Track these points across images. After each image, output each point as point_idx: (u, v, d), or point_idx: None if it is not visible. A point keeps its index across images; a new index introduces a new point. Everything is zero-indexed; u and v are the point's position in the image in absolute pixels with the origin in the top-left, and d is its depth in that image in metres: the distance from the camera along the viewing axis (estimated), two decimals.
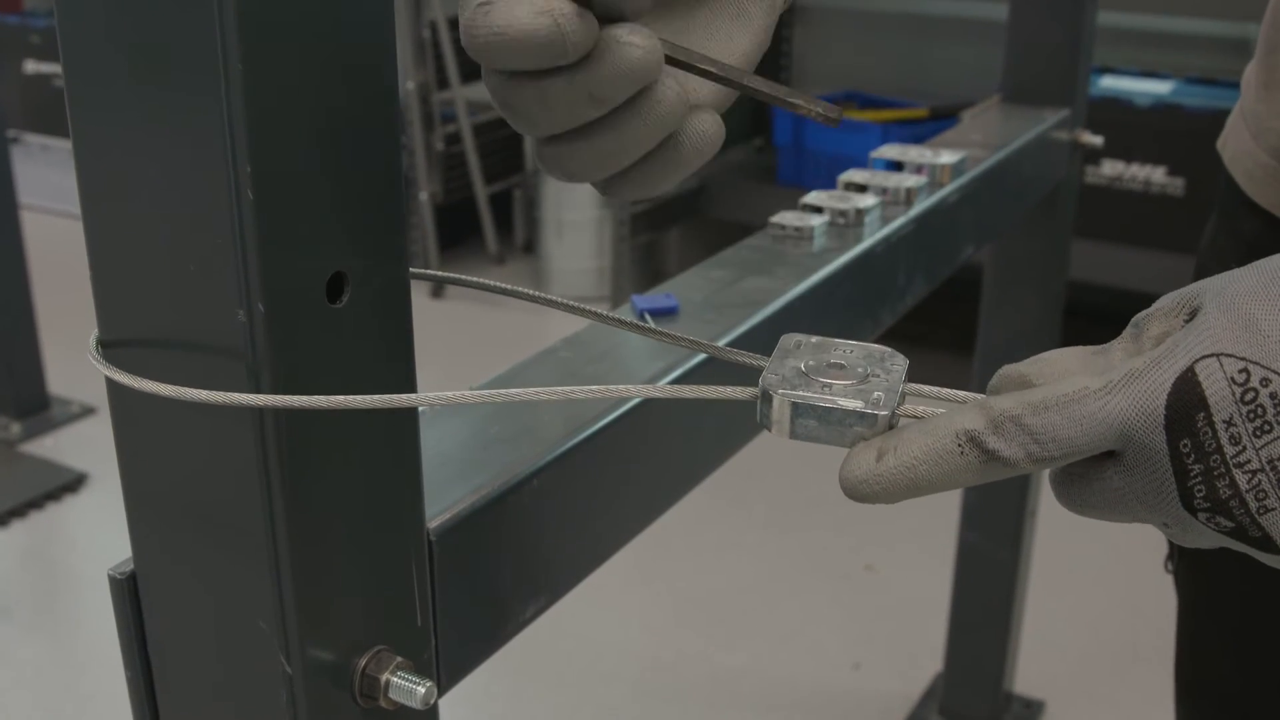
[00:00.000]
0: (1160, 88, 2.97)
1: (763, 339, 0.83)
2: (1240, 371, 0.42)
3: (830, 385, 0.50)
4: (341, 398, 0.47)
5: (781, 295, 0.89)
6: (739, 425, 0.85)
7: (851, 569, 2.39)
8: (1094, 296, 2.94)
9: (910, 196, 1.08)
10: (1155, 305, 0.48)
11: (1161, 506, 0.45)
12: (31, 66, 4.53)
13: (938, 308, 2.06)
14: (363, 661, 0.54)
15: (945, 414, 0.47)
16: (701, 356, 0.78)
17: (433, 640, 0.58)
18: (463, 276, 0.61)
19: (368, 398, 0.48)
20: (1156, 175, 2.89)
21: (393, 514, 0.54)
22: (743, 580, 2.36)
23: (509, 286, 0.61)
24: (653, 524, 0.76)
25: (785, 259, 0.95)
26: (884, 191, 1.08)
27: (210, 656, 0.54)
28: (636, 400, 0.72)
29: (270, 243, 0.45)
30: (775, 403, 0.49)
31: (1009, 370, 0.49)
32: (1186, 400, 0.43)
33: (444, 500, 0.60)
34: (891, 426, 0.48)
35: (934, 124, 3.09)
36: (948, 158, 1.15)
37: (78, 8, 0.45)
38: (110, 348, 0.50)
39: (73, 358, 2.94)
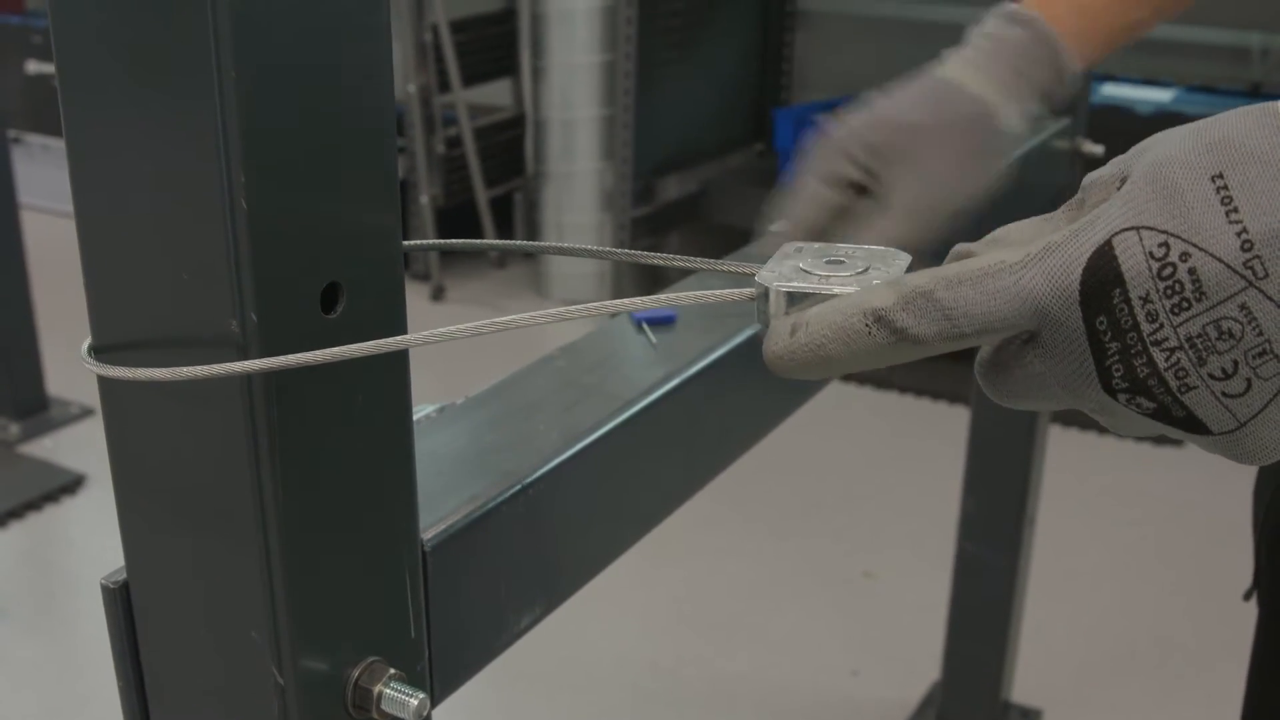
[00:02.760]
0: (1162, 96, 2.97)
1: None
2: (1160, 245, 0.41)
3: (828, 277, 0.48)
4: (335, 349, 0.46)
5: None
6: (735, 435, 0.84)
7: (850, 576, 2.38)
8: None
9: None
10: (1102, 170, 0.46)
11: (1082, 390, 0.44)
12: (34, 67, 4.52)
13: None
14: (355, 673, 0.54)
15: (859, 291, 0.46)
16: (702, 364, 0.78)
17: (426, 651, 0.58)
18: (462, 241, 0.61)
19: (361, 345, 0.47)
20: None
21: (386, 524, 0.54)
22: (741, 586, 2.36)
23: (504, 242, 0.61)
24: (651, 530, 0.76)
25: None
26: None
27: (203, 666, 0.54)
28: (633, 410, 0.72)
29: (264, 252, 0.45)
30: (771, 295, 0.48)
31: (959, 247, 0.48)
32: (1102, 275, 0.41)
33: (438, 510, 0.60)
34: None
35: None
36: None
37: (72, 11, 0.45)
38: (103, 354, 0.50)
39: (72, 359, 2.92)
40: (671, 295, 0.50)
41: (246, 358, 0.46)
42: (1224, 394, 0.41)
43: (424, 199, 3.67)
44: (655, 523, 0.76)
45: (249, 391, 0.46)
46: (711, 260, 0.55)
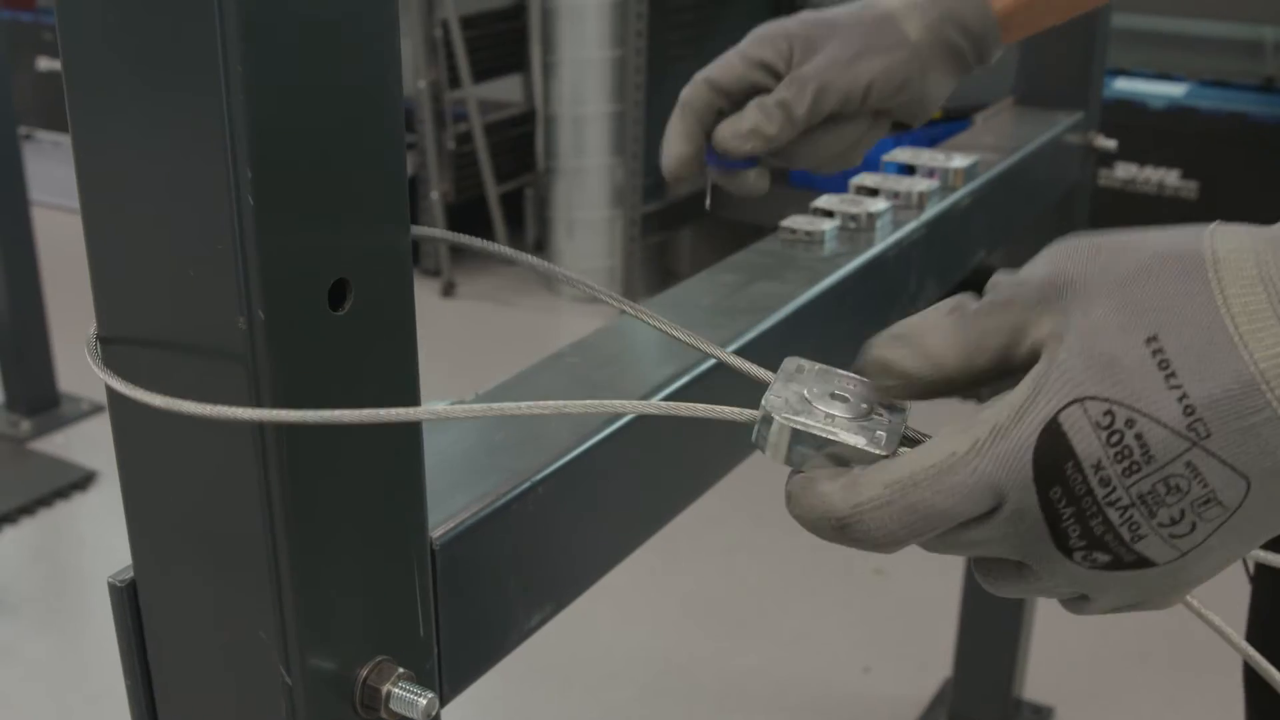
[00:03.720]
0: (1174, 90, 2.95)
1: (773, 344, 0.83)
2: (1105, 414, 0.42)
3: (834, 417, 0.48)
4: (335, 411, 0.46)
5: (792, 300, 0.88)
6: (747, 432, 0.84)
7: (861, 572, 2.38)
8: None
9: (922, 200, 1.07)
10: (1011, 278, 0.46)
11: (1035, 553, 0.45)
12: (44, 64, 4.54)
13: None
14: (364, 672, 0.53)
15: (825, 488, 0.46)
16: (711, 362, 0.77)
17: (435, 650, 0.58)
18: (472, 239, 0.60)
19: (362, 411, 0.47)
20: (1170, 178, 2.87)
21: (395, 523, 0.54)
22: (752, 583, 2.36)
23: (519, 254, 0.60)
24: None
25: (796, 263, 0.95)
26: (895, 195, 1.07)
27: (210, 666, 0.54)
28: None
29: (271, 248, 0.44)
30: (774, 426, 0.48)
31: (876, 355, 0.48)
32: (1054, 453, 0.42)
33: (447, 509, 0.59)
34: None
35: (947, 126, 3.08)
36: (960, 161, 1.14)
37: (78, 8, 0.45)
38: (110, 347, 0.50)
39: (83, 355, 2.93)
40: (672, 404, 0.52)
41: (254, 354, 0.45)
42: (1171, 535, 0.43)
43: (434, 195, 3.66)
44: (666, 520, 0.75)
45: (256, 390, 0.46)
46: (726, 353, 0.56)
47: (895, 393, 0.48)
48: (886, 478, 0.45)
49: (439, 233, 0.60)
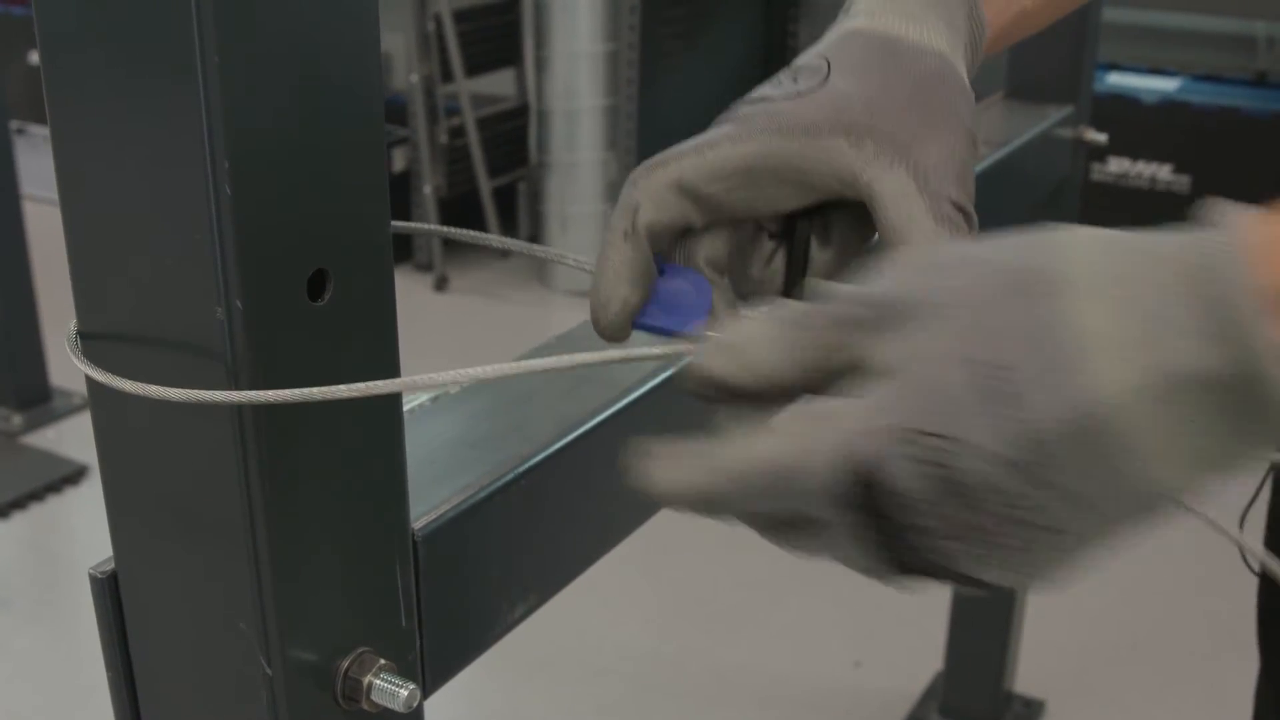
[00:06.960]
0: (1167, 85, 2.96)
1: None
2: (932, 448, 0.39)
3: None
4: (317, 389, 0.46)
5: None
6: None
7: None
8: None
9: None
10: (859, 299, 0.42)
11: (865, 563, 0.42)
12: (36, 57, 4.53)
13: None
14: (345, 663, 0.53)
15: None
16: None
17: (417, 642, 0.57)
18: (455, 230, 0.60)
19: (346, 386, 0.47)
20: (1162, 173, 2.88)
21: (376, 514, 0.54)
22: (743, 576, 2.36)
23: (504, 239, 0.60)
24: (650, 520, 0.75)
25: None
26: None
27: (191, 657, 0.54)
28: (630, 399, 0.71)
29: (249, 239, 0.44)
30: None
31: (695, 369, 0.46)
32: (865, 480, 0.40)
33: (430, 500, 0.59)
34: None
35: None
36: None
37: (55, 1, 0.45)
38: (89, 340, 0.50)
39: None
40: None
41: (232, 344, 0.45)
42: (1004, 562, 0.41)
43: (427, 189, 3.66)
44: (651, 513, 0.75)
45: (235, 381, 0.46)
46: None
47: (717, 401, 0.45)
48: (703, 450, 0.43)
49: (430, 228, 0.60)
